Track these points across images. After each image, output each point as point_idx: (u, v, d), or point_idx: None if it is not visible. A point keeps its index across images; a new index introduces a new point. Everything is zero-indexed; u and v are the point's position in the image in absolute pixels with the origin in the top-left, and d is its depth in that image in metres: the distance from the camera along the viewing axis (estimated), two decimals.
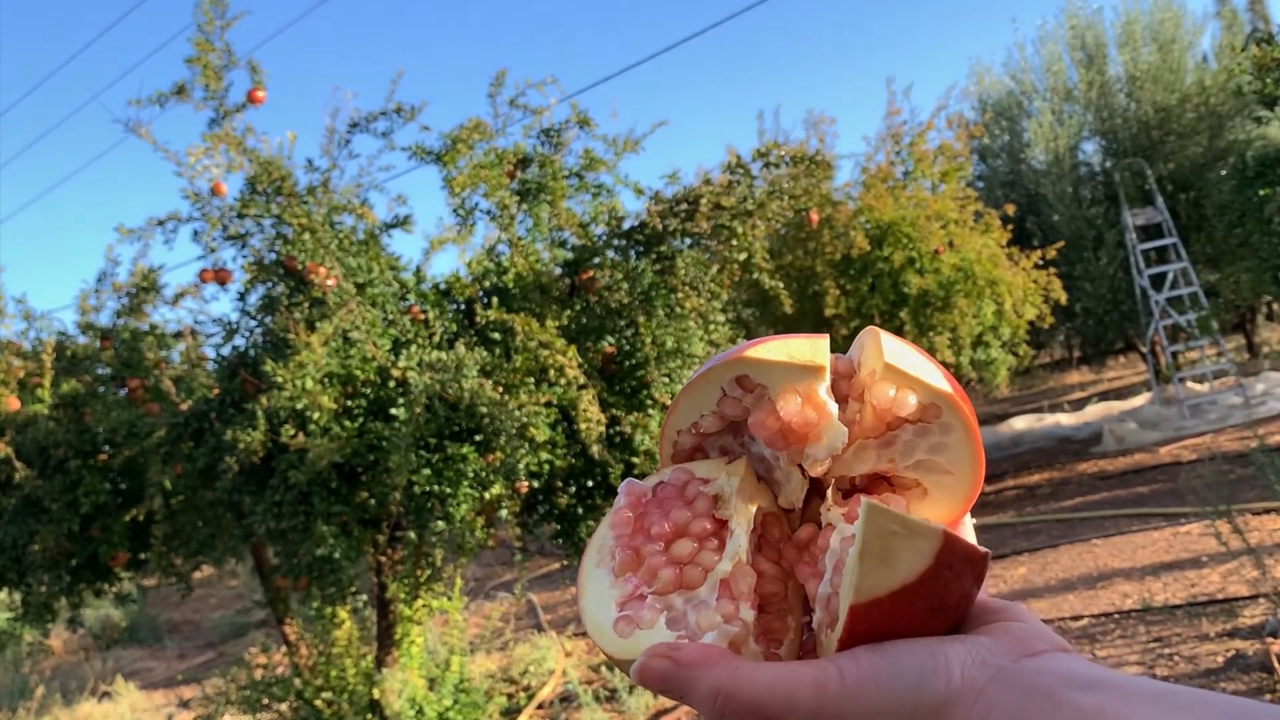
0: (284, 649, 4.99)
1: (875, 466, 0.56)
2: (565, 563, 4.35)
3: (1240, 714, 0.39)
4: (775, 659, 0.52)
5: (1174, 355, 11.06)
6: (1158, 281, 10.97)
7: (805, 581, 0.54)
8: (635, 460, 4.04)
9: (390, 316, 4.13)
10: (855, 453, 0.56)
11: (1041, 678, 0.44)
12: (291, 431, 3.67)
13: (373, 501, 3.99)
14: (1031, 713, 0.42)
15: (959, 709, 0.44)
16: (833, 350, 0.57)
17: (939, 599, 0.47)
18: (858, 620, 0.47)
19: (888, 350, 0.54)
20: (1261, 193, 7.32)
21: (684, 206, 4.40)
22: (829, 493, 0.57)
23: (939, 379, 0.55)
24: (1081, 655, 0.47)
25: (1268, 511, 6.06)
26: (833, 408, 0.55)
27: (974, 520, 0.61)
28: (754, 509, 0.56)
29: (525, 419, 3.66)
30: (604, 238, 4.55)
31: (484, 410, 3.67)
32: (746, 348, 0.56)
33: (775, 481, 0.59)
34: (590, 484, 4.27)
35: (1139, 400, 12.38)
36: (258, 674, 4.62)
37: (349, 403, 3.94)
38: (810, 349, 0.55)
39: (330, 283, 3.91)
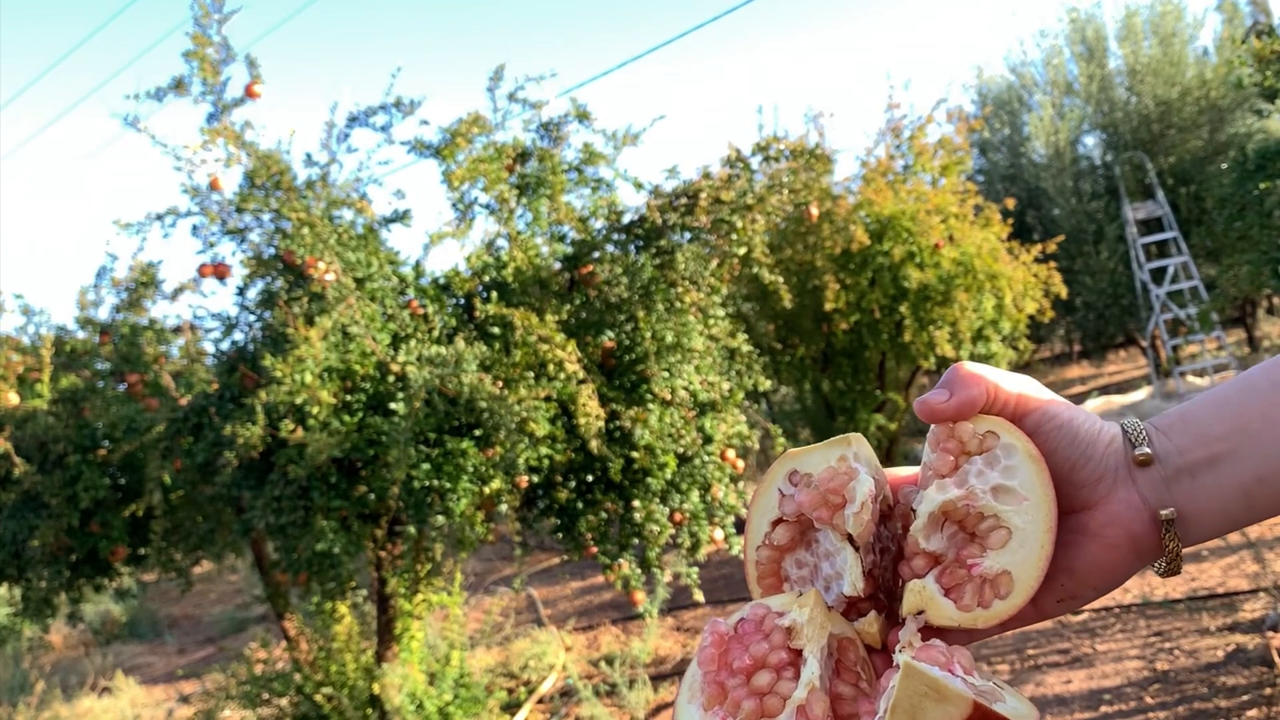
0: (284, 644, 4.99)
1: (950, 513, 0.61)
2: (565, 557, 4.34)
3: None
4: None
5: (1174, 349, 11.05)
6: (1158, 275, 10.96)
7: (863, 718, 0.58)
8: (634, 455, 4.03)
9: (389, 311, 4.12)
10: (926, 528, 0.61)
11: None
12: (291, 426, 3.66)
13: (372, 496, 3.99)
14: None
15: None
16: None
17: None
18: None
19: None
20: (1262, 186, 7.30)
21: (683, 201, 4.39)
22: (905, 634, 0.60)
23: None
24: None
25: None
26: (856, 465, 0.61)
27: None
28: (825, 636, 0.61)
29: (525, 414, 3.65)
30: (603, 232, 4.54)
31: (483, 405, 3.67)
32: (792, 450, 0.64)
33: (853, 610, 0.64)
34: (590, 478, 4.26)
35: (1139, 394, 12.35)
36: (258, 669, 4.61)
37: (348, 397, 3.94)
38: (840, 437, 0.63)
39: (329, 277, 3.90)
